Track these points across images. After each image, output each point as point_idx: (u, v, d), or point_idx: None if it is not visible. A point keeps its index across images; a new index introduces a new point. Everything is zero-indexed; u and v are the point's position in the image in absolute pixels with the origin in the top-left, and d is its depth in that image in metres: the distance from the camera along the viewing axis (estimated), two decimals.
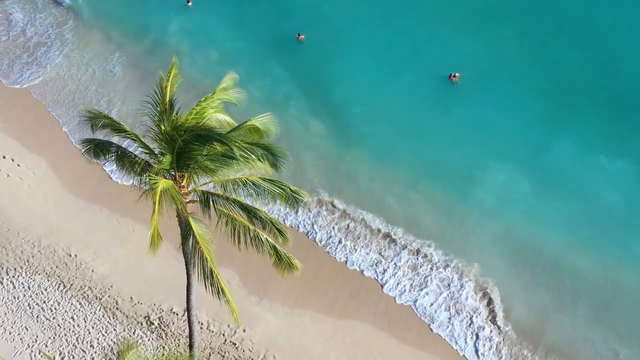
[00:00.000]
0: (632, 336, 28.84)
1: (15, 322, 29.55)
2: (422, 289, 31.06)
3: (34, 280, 31.21)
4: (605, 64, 40.00)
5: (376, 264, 32.14)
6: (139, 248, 32.55)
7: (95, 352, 28.55)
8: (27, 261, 32.01)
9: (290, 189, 21.12)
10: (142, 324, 29.69)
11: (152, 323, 29.73)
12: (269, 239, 21.17)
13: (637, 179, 34.51)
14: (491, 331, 29.45)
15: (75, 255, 32.39)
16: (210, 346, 28.80)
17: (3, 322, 29.51)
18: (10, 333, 29.11)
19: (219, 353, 28.58)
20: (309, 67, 41.69)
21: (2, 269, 31.60)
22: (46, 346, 28.61)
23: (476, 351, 28.87)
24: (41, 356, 28.37)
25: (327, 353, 28.80)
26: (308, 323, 29.98)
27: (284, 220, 33.88)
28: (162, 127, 20.65)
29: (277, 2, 46.11)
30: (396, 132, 37.73)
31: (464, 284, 31.15)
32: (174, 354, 27.61)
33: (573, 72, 39.83)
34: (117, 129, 21.91)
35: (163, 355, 27.56)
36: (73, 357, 28.39)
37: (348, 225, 33.79)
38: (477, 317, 29.96)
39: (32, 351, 28.49)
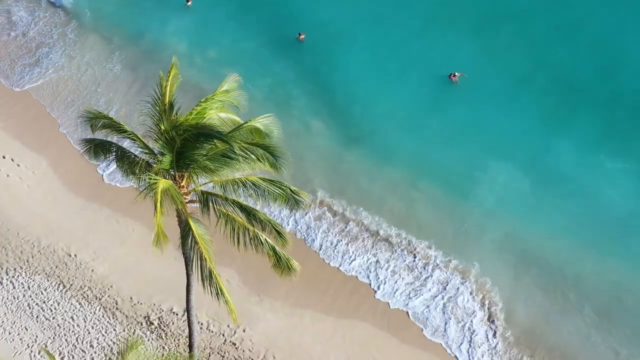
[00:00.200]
0: (634, 338, 28.78)
1: (14, 322, 29.54)
2: (419, 292, 30.93)
3: (33, 280, 31.19)
4: (605, 64, 39.96)
5: (372, 269, 31.91)
6: (139, 248, 32.59)
7: (95, 352, 28.54)
8: (27, 261, 31.99)
9: (291, 190, 21.07)
10: (141, 324, 29.68)
11: (151, 323, 29.72)
12: (269, 240, 21.14)
13: (638, 178, 34.49)
14: (490, 332, 29.43)
15: (75, 255, 32.38)
16: (210, 346, 28.79)
17: (3, 322, 29.50)
18: (10, 333, 29.11)
19: (218, 353, 28.58)
20: (309, 66, 41.62)
21: (2, 269, 31.58)
22: (46, 346, 28.61)
23: (475, 352, 28.84)
24: (41, 356, 28.36)
25: (326, 353, 28.80)
26: (308, 323, 29.98)
27: (283, 221, 33.78)
28: (162, 127, 20.62)
29: (278, 2, 46.02)
30: (396, 131, 37.69)
31: (464, 285, 31.10)
32: (173, 354, 27.64)
33: (573, 71, 39.78)
34: (117, 129, 21.88)
35: (163, 355, 27.57)
36: (73, 357, 28.38)
37: (347, 227, 33.70)
38: (476, 317, 29.93)
39: (31, 351, 28.48)
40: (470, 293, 30.77)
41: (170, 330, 29.43)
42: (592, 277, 30.90)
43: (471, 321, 29.81)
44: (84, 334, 29.19)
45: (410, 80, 40.35)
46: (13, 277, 31.29)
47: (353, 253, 32.57)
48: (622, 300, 30.14)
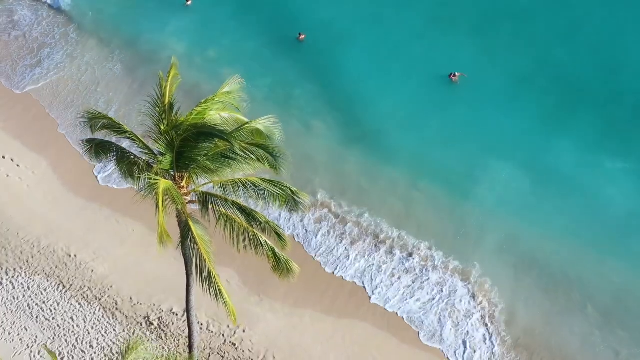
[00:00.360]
0: (634, 338, 28.75)
1: (14, 322, 29.53)
2: (417, 294, 30.82)
3: (33, 281, 31.18)
4: (605, 64, 39.99)
5: (369, 272, 31.75)
6: (139, 248, 32.58)
7: (95, 353, 28.53)
8: (27, 261, 31.98)
9: (291, 190, 21.03)
10: (141, 325, 29.66)
11: (151, 323, 29.71)
12: (268, 242, 21.10)
13: (638, 178, 34.48)
14: (490, 333, 29.39)
15: (75, 256, 32.36)
16: (210, 347, 28.78)
17: (2, 322, 29.48)
18: (9, 333, 29.09)
19: (218, 354, 28.56)
20: (309, 67, 41.60)
21: (2, 269, 31.57)
22: (46, 346, 28.59)
23: (475, 352, 28.82)
24: (41, 356, 28.35)
25: (326, 353, 28.78)
26: (308, 323, 29.96)
27: (282, 223, 33.64)
28: (162, 127, 20.59)
29: (278, 2, 46.02)
30: (396, 131, 37.68)
31: (464, 285, 31.04)
32: (173, 354, 27.62)
33: (573, 71, 39.81)
34: (117, 129, 21.84)
35: (163, 355, 27.54)
36: (72, 357, 28.37)
37: (347, 229, 33.61)
38: (476, 318, 29.89)
39: (31, 352, 28.47)
40: (470, 293, 30.73)
41: (170, 331, 29.42)
42: (593, 277, 30.87)
43: (471, 322, 29.76)
44: (83, 335, 29.18)
45: (410, 80, 40.37)
46: (13, 277, 31.28)
47: (352, 257, 32.40)
48: (623, 301, 30.11)
